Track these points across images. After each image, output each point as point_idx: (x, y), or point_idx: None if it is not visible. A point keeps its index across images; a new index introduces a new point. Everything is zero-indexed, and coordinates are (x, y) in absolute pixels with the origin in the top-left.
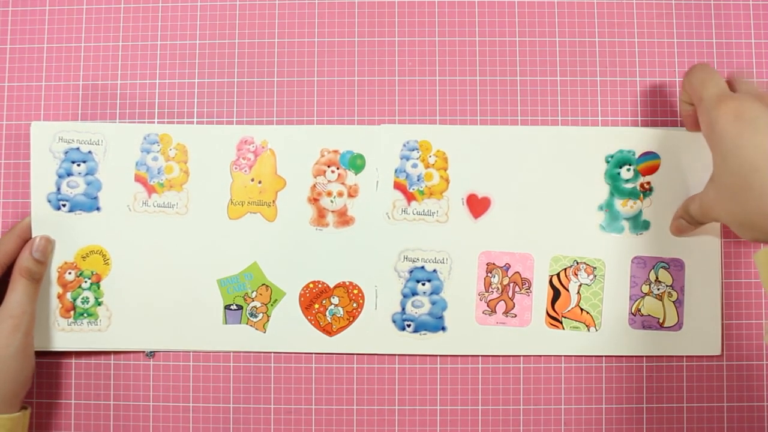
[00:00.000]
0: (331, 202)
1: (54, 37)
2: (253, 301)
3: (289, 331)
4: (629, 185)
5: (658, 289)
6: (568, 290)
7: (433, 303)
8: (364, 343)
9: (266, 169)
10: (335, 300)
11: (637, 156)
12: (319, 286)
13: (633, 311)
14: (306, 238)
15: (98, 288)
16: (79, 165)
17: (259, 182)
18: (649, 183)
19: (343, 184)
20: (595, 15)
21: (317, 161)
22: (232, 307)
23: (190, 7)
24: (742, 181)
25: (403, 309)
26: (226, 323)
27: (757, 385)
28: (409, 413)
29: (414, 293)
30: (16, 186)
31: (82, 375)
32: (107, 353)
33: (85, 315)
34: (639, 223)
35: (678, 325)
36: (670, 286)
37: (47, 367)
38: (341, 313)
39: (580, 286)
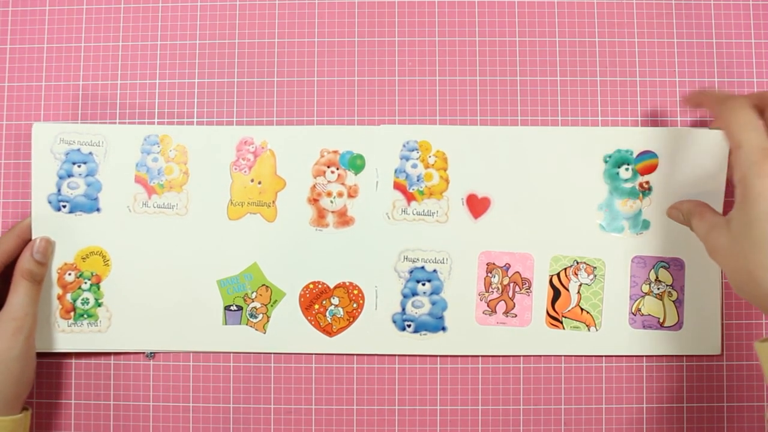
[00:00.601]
0: (331, 202)
1: (54, 37)
2: (253, 301)
3: (289, 331)
4: (628, 185)
5: (659, 289)
6: (568, 290)
7: (433, 303)
8: (364, 344)
9: (266, 169)
10: (335, 300)
11: (635, 155)
12: (319, 286)
13: (633, 311)
14: (306, 239)
15: (98, 289)
16: (79, 166)
17: (259, 183)
18: (648, 182)
19: (342, 184)
20: (595, 15)
21: (317, 161)
22: (232, 307)
23: (190, 7)
24: (760, 261)
25: (404, 309)
26: (226, 324)
27: (757, 385)
28: (409, 413)
29: (414, 293)
30: (17, 186)
31: (83, 375)
32: (107, 354)
33: (85, 316)
34: (639, 223)
35: (678, 325)
36: (671, 285)
37: (47, 368)
38: (341, 313)
39: (580, 285)
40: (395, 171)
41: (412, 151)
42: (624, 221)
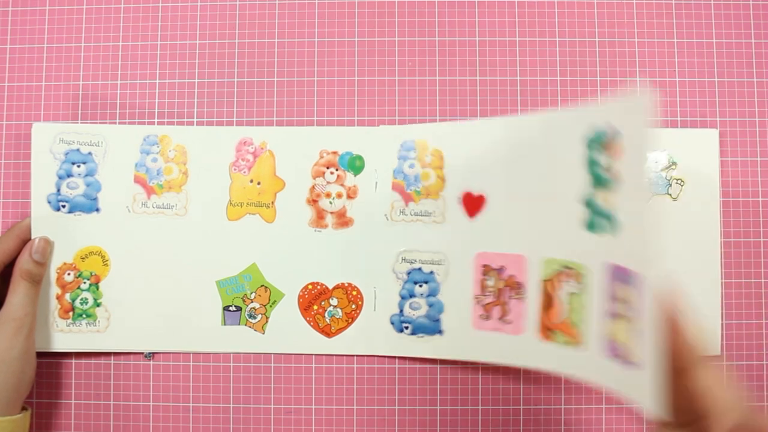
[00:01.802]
0: (330, 203)
1: (54, 37)
2: (252, 302)
3: (288, 332)
4: (606, 173)
5: (622, 309)
6: (559, 298)
7: (430, 305)
8: (363, 345)
9: (265, 170)
10: (334, 301)
11: (608, 135)
12: (318, 287)
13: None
14: (305, 240)
15: (97, 289)
16: (79, 166)
17: (258, 183)
18: (617, 169)
19: (342, 185)
20: (595, 15)
21: (316, 162)
22: (231, 308)
23: (190, 7)
24: None
25: (401, 311)
26: (225, 324)
27: (757, 385)
28: (409, 413)
29: (412, 295)
30: (17, 186)
31: (82, 375)
32: (107, 354)
33: (84, 316)
34: (615, 222)
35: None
36: (632, 306)
37: (47, 368)
38: (340, 314)
39: (571, 294)
40: (394, 171)
41: (410, 151)
42: (603, 219)
